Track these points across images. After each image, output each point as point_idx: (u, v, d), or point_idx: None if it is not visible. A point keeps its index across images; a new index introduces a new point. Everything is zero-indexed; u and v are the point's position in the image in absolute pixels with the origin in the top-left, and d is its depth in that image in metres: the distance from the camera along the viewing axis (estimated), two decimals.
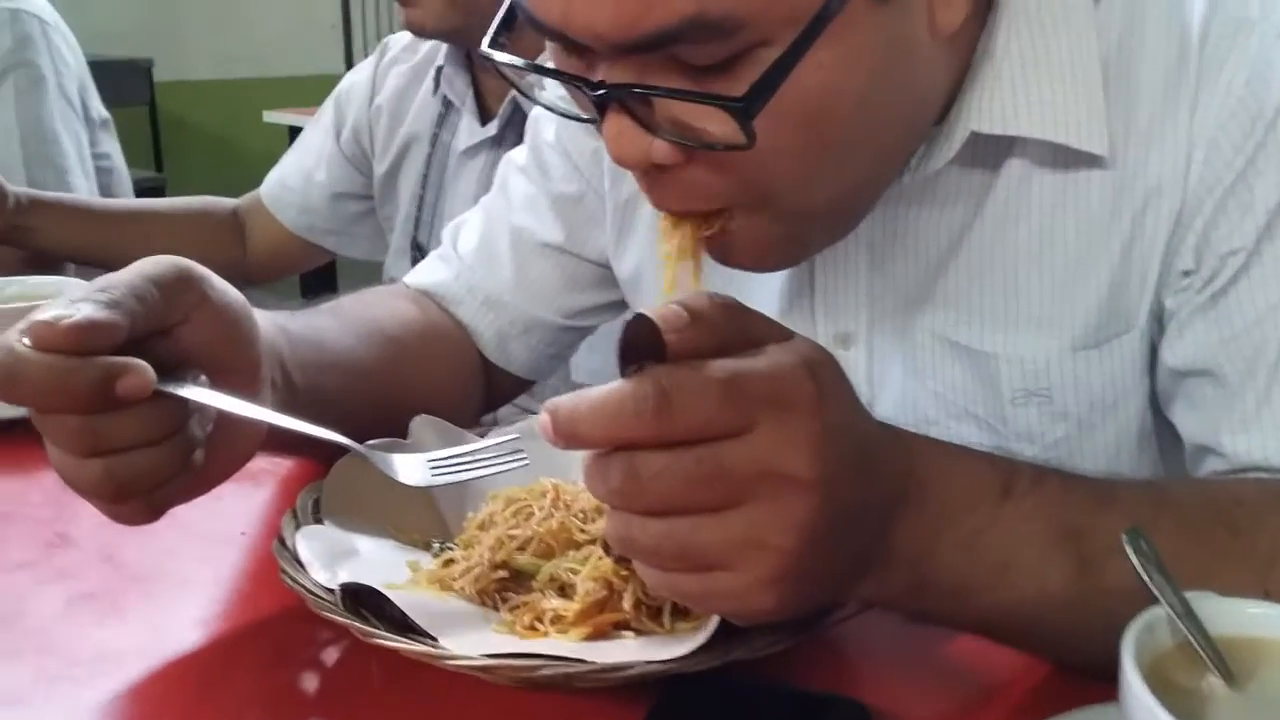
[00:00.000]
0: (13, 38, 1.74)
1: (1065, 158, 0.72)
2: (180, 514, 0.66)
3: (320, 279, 2.94)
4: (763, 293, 0.83)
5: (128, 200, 1.73)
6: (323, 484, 0.74)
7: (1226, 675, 0.47)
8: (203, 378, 0.63)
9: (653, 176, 0.64)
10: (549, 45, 0.63)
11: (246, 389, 0.66)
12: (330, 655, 0.65)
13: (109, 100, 1.95)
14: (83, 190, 1.75)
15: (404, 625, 0.62)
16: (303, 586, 0.64)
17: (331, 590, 0.63)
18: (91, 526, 0.75)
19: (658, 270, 0.69)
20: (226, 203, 1.66)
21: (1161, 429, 0.77)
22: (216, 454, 0.66)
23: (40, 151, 1.73)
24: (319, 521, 0.72)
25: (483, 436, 0.81)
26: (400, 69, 1.57)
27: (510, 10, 0.65)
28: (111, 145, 1.92)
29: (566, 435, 0.50)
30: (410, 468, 0.66)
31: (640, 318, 0.50)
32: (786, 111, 0.59)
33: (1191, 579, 0.50)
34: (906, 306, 0.79)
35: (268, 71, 5.74)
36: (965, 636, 0.63)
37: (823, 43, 0.58)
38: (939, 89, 0.70)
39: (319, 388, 0.77)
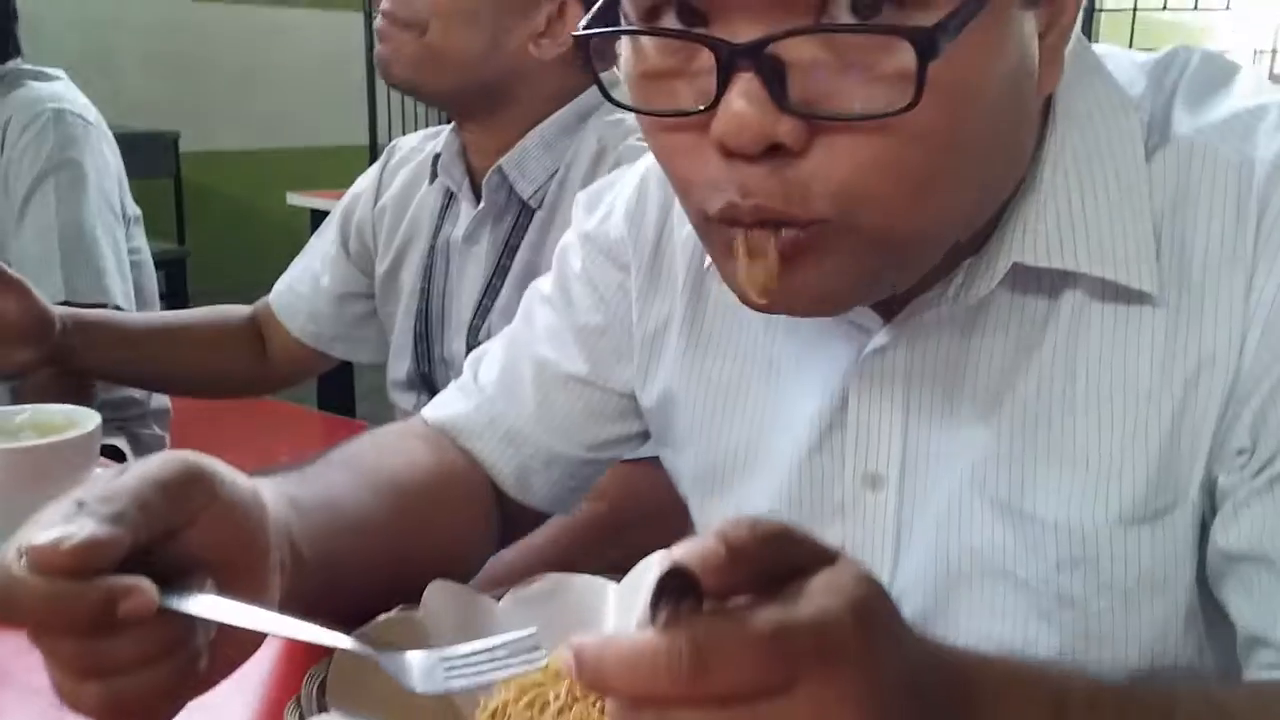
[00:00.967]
0: (56, 137, 1.73)
1: (1116, 296, 0.69)
2: None
3: (337, 383, 2.94)
4: (798, 423, 0.79)
5: (155, 316, 1.71)
6: (328, 666, 0.71)
7: None
8: (209, 582, 0.60)
9: (754, 175, 0.59)
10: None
11: (255, 584, 0.63)
12: None
13: (134, 174, 1.95)
14: (118, 292, 1.73)
15: None
16: None
17: None
18: None
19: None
20: (242, 311, 1.65)
21: (1207, 605, 0.73)
22: (220, 653, 0.62)
23: (78, 252, 1.71)
24: (324, 709, 0.68)
25: (498, 598, 0.78)
26: (406, 170, 1.56)
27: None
28: (141, 240, 1.91)
29: (592, 683, 0.46)
30: (424, 670, 0.63)
31: (676, 564, 0.46)
32: (943, 82, 0.56)
33: None
34: (945, 452, 0.75)
35: (294, 141, 5.82)
36: None
37: (984, 16, 0.56)
38: (1021, 160, 0.68)
39: (330, 554, 0.74)
